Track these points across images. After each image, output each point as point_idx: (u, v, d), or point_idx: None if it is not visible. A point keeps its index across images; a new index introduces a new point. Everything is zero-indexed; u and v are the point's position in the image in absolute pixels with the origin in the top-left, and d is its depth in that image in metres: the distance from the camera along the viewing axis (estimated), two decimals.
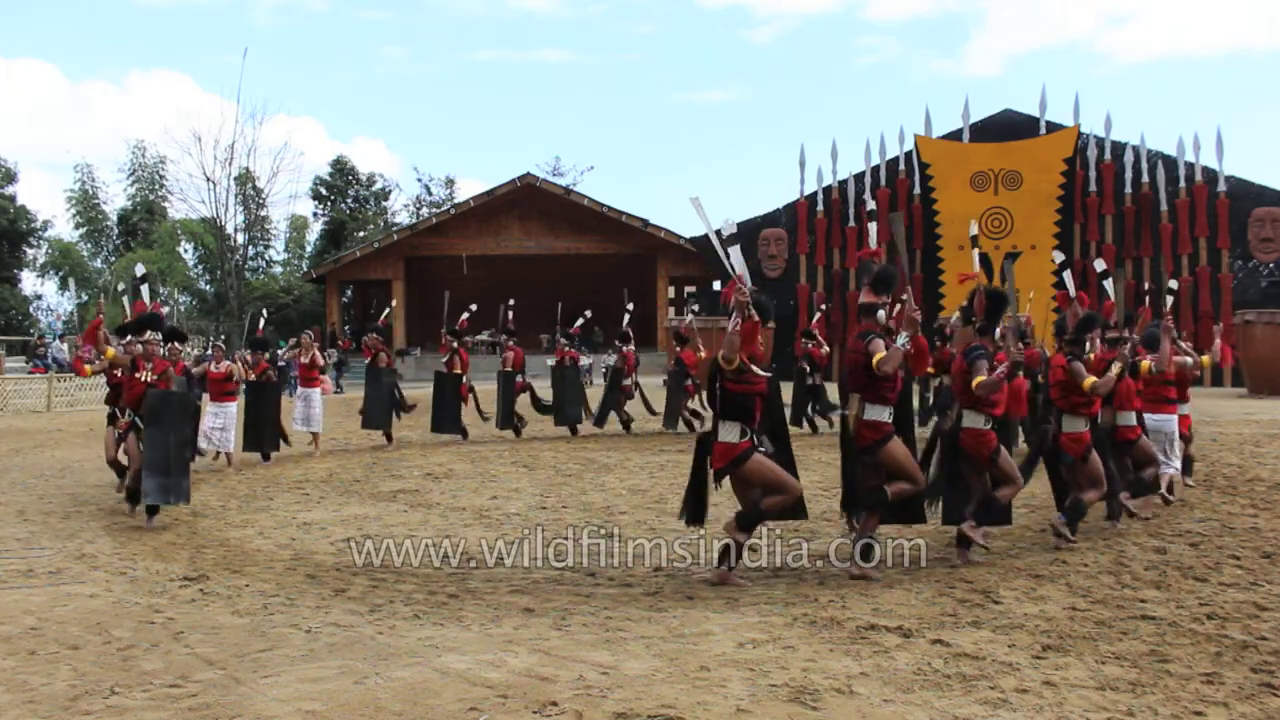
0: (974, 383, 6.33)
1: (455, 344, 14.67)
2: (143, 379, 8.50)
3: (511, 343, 15.04)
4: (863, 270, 6.64)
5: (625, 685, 4.18)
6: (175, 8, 74.60)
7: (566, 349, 15.39)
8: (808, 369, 14.87)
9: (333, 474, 11.23)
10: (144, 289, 9.87)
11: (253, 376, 12.37)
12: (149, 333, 8.69)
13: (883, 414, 6.13)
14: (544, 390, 15.67)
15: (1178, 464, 8.52)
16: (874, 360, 5.93)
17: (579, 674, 4.32)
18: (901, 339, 6.06)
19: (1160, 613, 5.18)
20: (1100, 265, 9.40)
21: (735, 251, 5.88)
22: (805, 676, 4.26)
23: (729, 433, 5.90)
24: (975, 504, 6.47)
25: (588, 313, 17.43)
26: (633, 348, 15.74)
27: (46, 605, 5.63)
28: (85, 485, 10.24)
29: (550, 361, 15.81)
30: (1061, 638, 4.77)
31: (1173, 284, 10.07)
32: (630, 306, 17.16)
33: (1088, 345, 7.48)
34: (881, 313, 6.21)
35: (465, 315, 15.30)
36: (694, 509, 6.18)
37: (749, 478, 5.96)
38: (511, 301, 16.24)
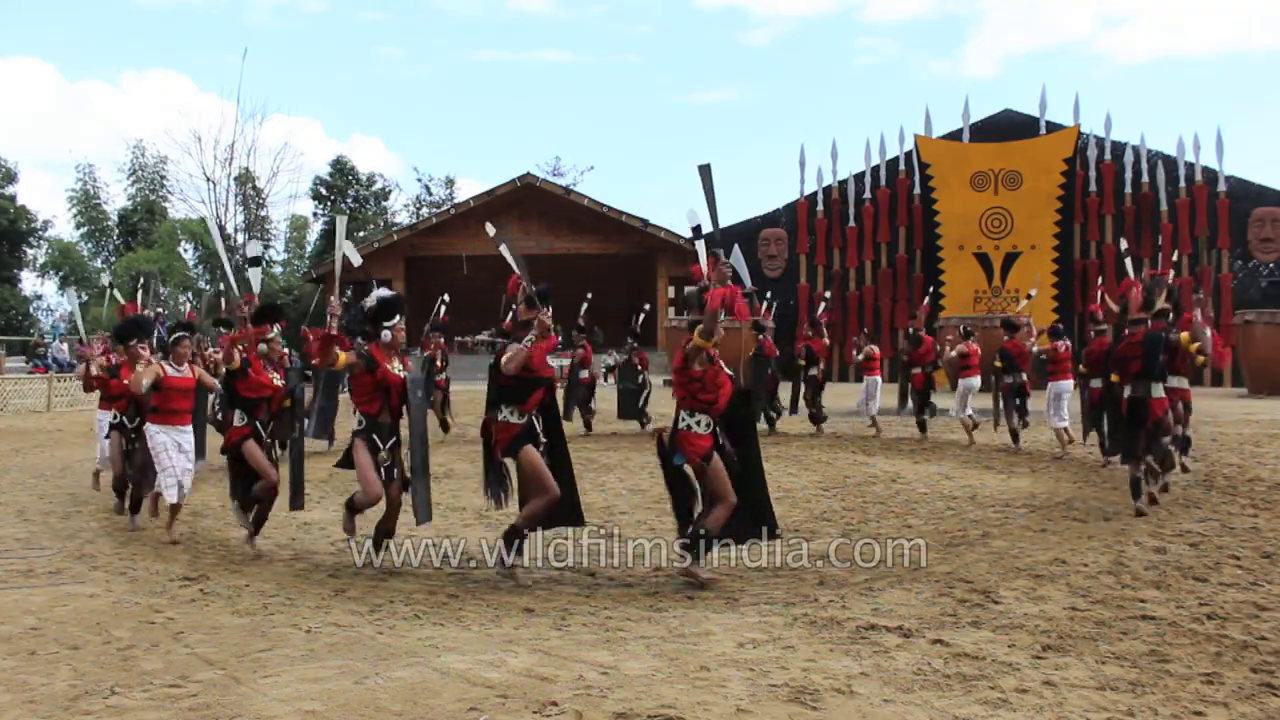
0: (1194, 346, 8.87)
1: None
2: (397, 371, 6.93)
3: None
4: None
5: (625, 685, 4.17)
6: (172, 8, 74.66)
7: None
8: (804, 362, 14.95)
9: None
10: (347, 248, 7.92)
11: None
12: (397, 316, 6.89)
13: (1183, 382, 9.19)
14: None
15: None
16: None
17: (579, 674, 4.32)
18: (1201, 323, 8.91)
19: (1160, 613, 5.19)
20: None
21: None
22: (805, 676, 4.26)
23: (1159, 390, 8.22)
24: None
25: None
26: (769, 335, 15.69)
27: (46, 605, 5.62)
28: (85, 485, 10.21)
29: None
30: (1061, 638, 4.77)
31: (1124, 243, 11.77)
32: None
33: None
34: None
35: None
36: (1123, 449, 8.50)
37: (1166, 426, 8.32)
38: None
